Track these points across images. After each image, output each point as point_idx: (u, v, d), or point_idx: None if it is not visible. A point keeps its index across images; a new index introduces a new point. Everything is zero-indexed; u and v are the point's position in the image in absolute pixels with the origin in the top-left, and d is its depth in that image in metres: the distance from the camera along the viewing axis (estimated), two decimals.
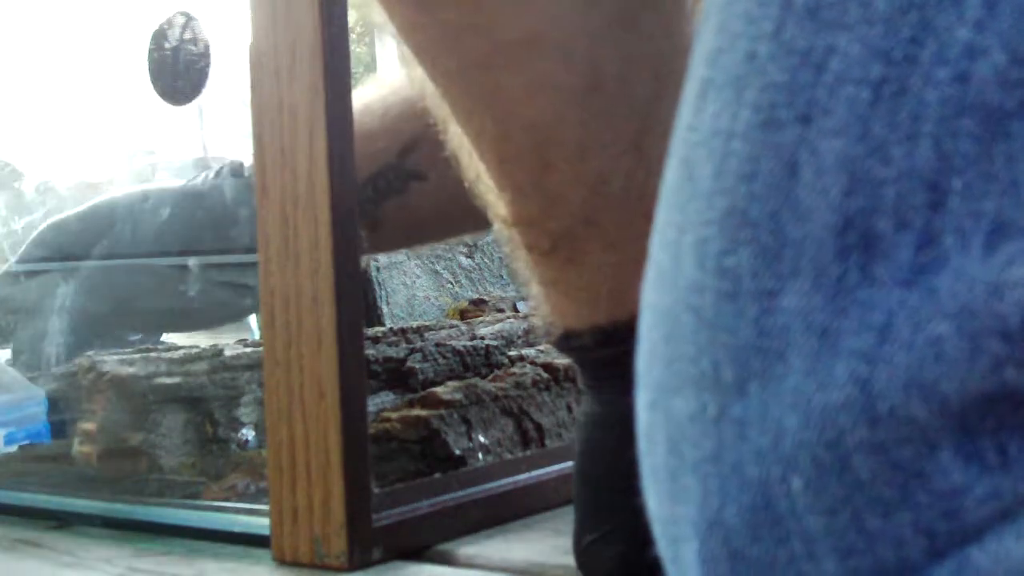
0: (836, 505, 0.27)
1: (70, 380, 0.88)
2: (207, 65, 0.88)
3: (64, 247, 1.02)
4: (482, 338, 0.94)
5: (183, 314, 1.01)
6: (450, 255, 1.26)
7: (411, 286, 1.21)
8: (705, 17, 0.31)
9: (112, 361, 0.85)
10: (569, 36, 0.54)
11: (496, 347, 0.93)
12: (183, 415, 0.83)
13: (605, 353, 0.58)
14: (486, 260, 1.28)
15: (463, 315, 1.11)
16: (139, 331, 1.04)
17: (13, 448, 0.91)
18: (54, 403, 0.92)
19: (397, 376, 0.87)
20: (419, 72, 0.59)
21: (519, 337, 0.96)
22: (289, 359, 0.67)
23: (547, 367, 0.87)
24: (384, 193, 0.89)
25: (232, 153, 1.01)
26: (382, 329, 0.96)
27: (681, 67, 0.33)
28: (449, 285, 1.25)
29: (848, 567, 0.27)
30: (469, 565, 0.67)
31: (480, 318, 1.04)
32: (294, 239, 0.67)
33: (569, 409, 0.86)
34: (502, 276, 1.28)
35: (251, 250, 0.73)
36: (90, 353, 0.88)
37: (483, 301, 1.15)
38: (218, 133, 1.13)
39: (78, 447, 0.84)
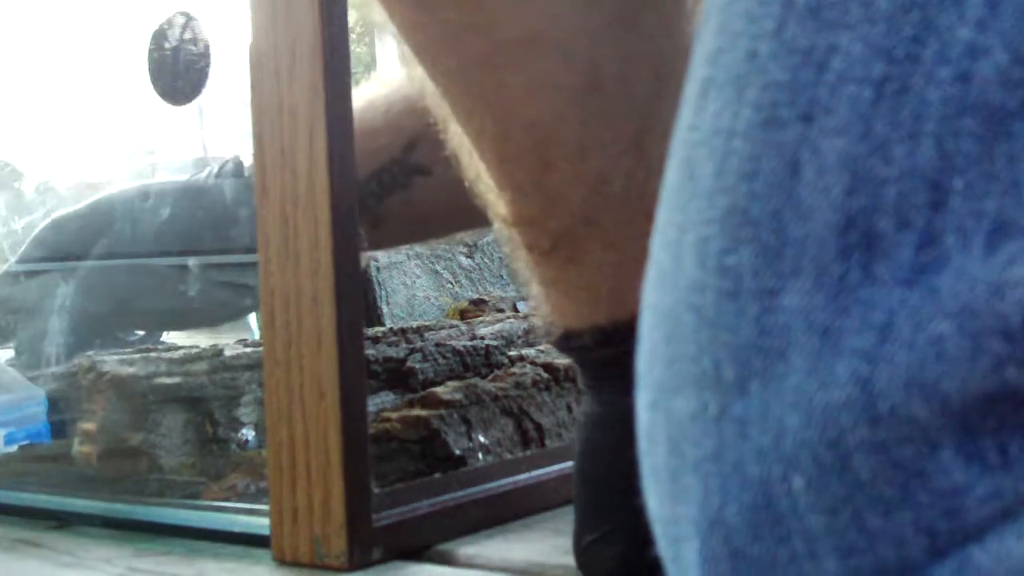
0: (837, 504, 0.27)
1: (70, 380, 0.88)
2: (207, 65, 0.88)
3: (64, 246, 1.02)
4: (482, 338, 0.94)
5: (183, 314, 1.01)
6: (450, 255, 1.26)
7: (411, 286, 1.21)
8: (706, 16, 0.31)
9: (112, 361, 0.85)
10: (569, 35, 0.54)
11: (496, 347, 0.93)
12: (183, 415, 0.83)
13: (605, 353, 0.58)
14: (486, 260, 1.28)
15: (463, 315, 1.11)
16: (139, 330, 1.04)
17: (13, 448, 0.91)
18: (54, 403, 0.92)
19: (397, 376, 0.87)
20: (419, 71, 0.59)
21: (519, 337, 0.96)
22: (289, 359, 0.67)
23: (547, 367, 0.87)
24: (388, 188, 0.89)
25: (232, 153, 1.01)
26: (382, 329, 0.96)
27: (681, 67, 0.33)
28: (449, 285, 1.25)
29: (849, 566, 0.27)
30: (469, 565, 0.67)
31: (480, 318, 1.04)
32: (294, 239, 0.67)
33: (569, 409, 0.86)
34: (502, 276, 1.28)
35: (251, 250, 0.73)
36: (90, 353, 0.88)
37: (483, 301, 1.15)
38: (218, 133, 1.13)
39: (78, 447, 0.84)
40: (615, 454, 0.53)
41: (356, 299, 0.67)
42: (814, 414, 0.27)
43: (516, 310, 1.10)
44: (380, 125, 0.89)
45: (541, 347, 0.92)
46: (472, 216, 0.62)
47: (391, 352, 0.88)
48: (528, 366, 0.87)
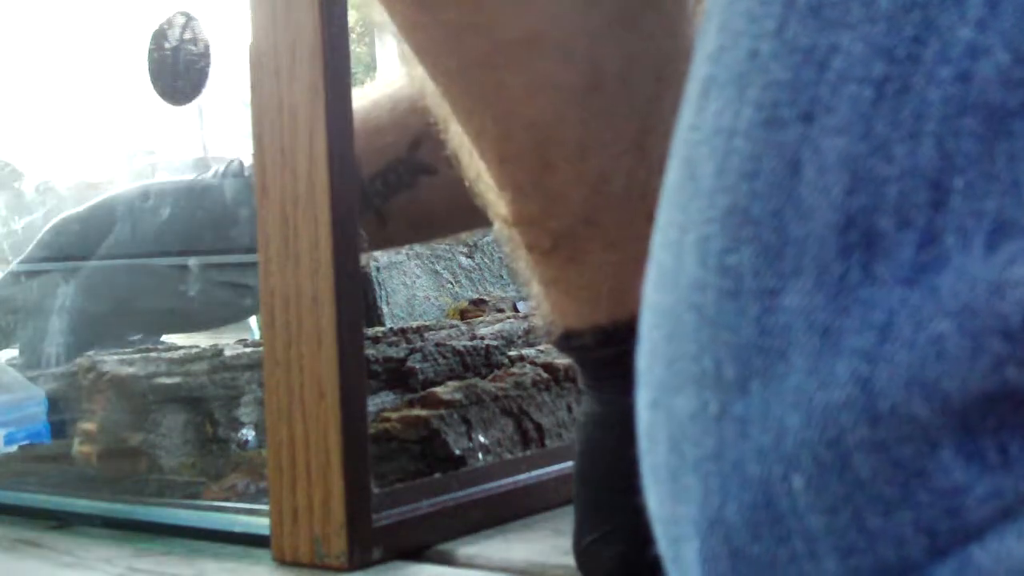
0: (837, 504, 0.27)
1: (70, 380, 0.88)
2: (207, 65, 0.88)
3: (66, 248, 1.02)
4: (482, 338, 0.94)
5: (183, 315, 1.01)
6: (450, 255, 1.26)
7: (411, 286, 1.21)
8: (708, 16, 0.31)
9: (112, 361, 0.85)
10: (570, 35, 0.54)
11: (496, 347, 0.93)
12: (183, 415, 0.83)
13: (605, 353, 0.58)
14: (486, 260, 1.28)
15: (463, 315, 1.11)
16: (139, 332, 1.04)
17: (13, 448, 0.91)
18: (54, 403, 0.92)
19: (397, 376, 0.87)
20: (419, 71, 0.59)
21: (519, 337, 0.96)
22: (289, 359, 0.67)
23: (547, 367, 0.87)
24: (394, 187, 0.89)
25: (232, 153, 1.01)
26: (382, 329, 0.96)
27: (682, 67, 0.33)
28: (449, 285, 1.25)
29: (849, 566, 0.27)
30: (469, 565, 0.67)
31: (480, 318, 1.04)
32: (294, 239, 0.67)
33: (569, 409, 0.86)
34: (502, 276, 1.28)
35: (251, 250, 0.73)
36: (90, 353, 0.88)
37: (483, 301, 1.15)
38: (218, 133, 1.13)
39: (78, 447, 0.84)
40: (615, 454, 0.53)
41: (356, 299, 0.67)
42: (814, 413, 0.27)
43: (516, 310, 1.10)
44: (385, 123, 0.89)
45: (541, 347, 0.92)
46: (476, 215, 0.62)
47: (391, 352, 0.88)
48: (528, 366, 0.87)
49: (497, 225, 0.61)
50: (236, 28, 0.81)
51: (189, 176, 1.01)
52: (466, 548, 0.69)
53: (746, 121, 0.28)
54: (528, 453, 0.81)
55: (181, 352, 0.86)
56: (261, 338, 0.70)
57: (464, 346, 0.91)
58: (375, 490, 0.68)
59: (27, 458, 0.89)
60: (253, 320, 1.08)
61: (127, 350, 0.89)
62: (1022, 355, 0.25)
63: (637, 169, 0.56)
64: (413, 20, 0.56)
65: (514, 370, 0.87)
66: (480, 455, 0.79)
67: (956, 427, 0.26)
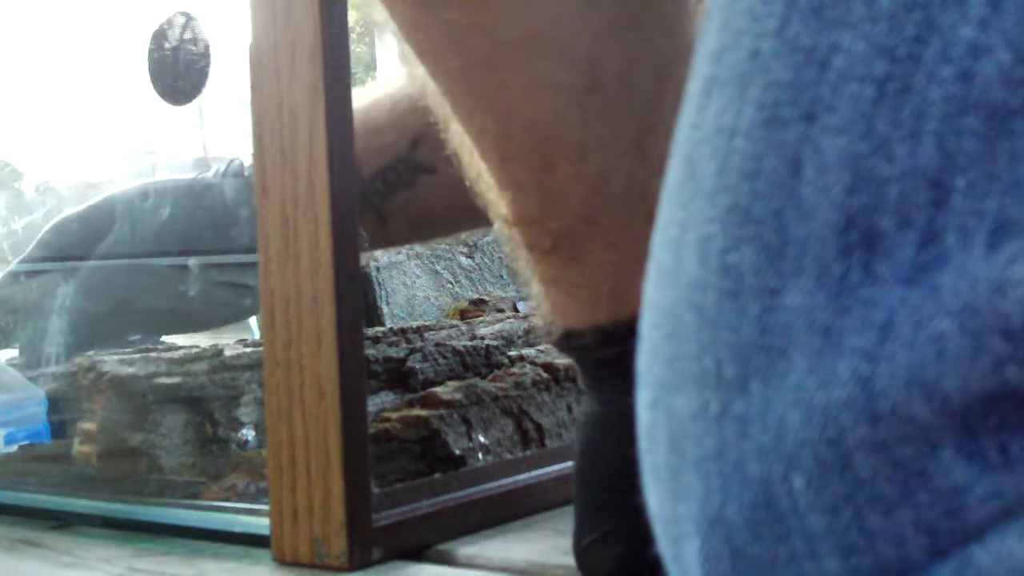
0: (837, 503, 0.27)
1: (70, 380, 0.88)
2: (207, 65, 0.88)
3: (66, 248, 1.02)
4: (482, 338, 0.94)
5: (183, 315, 1.01)
6: (450, 255, 1.26)
7: (411, 286, 1.21)
8: (709, 15, 0.31)
9: (112, 361, 0.85)
10: (570, 35, 0.54)
11: (496, 347, 0.93)
12: (183, 415, 0.83)
13: (606, 353, 0.58)
14: (486, 260, 1.28)
15: (463, 315, 1.11)
16: (139, 332, 1.04)
17: (13, 448, 0.91)
18: (54, 403, 0.92)
19: (397, 376, 0.87)
20: (420, 70, 0.59)
21: (519, 337, 0.96)
22: (289, 359, 0.67)
23: (547, 367, 0.87)
24: (394, 186, 0.89)
25: (232, 153, 1.01)
26: (382, 329, 0.96)
27: (683, 67, 0.33)
28: (449, 285, 1.25)
29: (849, 565, 0.27)
30: (469, 565, 0.67)
31: (480, 318, 1.04)
32: (294, 239, 0.67)
33: (569, 409, 0.86)
34: (502, 276, 1.28)
35: (251, 250, 0.73)
36: (90, 353, 0.88)
37: (483, 301, 1.15)
38: (218, 133, 1.13)
39: (78, 447, 0.84)
40: (615, 454, 0.53)
41: (356, 299, 0.67)
42: (815, 413, 0.27)
43: (516, 310, 1.10)
44: (385, 123, 0.89)
45: (541, 347, 0.92)
46: (476, 215, 0.62)
47: (391, 352, 0.88)
48: (528, 366, 0.87)
49: (497, 225, 0.61)
50: (236, 28, 0.81)
51: (189, 175, 1.01)
52: (466, 548, 0.69)
53: (747, 120, 0.29)
54: (528, 453, 0.81)
55: (181, 352, 0.86)
56: (261, 338, 0.70)
57: (464, 346, 0.91)
58: (375, 490, 0.68)
59: (27, 458, 0.89)
60: (253, 320, 1.08)
61: (127, 350, 0.89)
62: (1023, 355, 0.25)
63: (637, 169, 0.56)
64: (414, 20, 0.56)
65: (514, 370, 0.87)
66: (480, 455, 0.79)
67: (957, 427, 0.26)
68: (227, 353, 0.85)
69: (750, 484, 0.28)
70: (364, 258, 0.89)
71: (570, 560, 0.61)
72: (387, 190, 0.90)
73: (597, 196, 0.56)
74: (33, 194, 1.15)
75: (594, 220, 0.57)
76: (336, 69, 0.66)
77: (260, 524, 0.69)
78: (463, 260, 1.27)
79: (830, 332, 0.27)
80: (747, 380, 0.28)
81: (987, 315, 0.25)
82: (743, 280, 0.28)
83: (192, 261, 0.96)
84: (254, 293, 0.74)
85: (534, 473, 0.77)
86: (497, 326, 0.98)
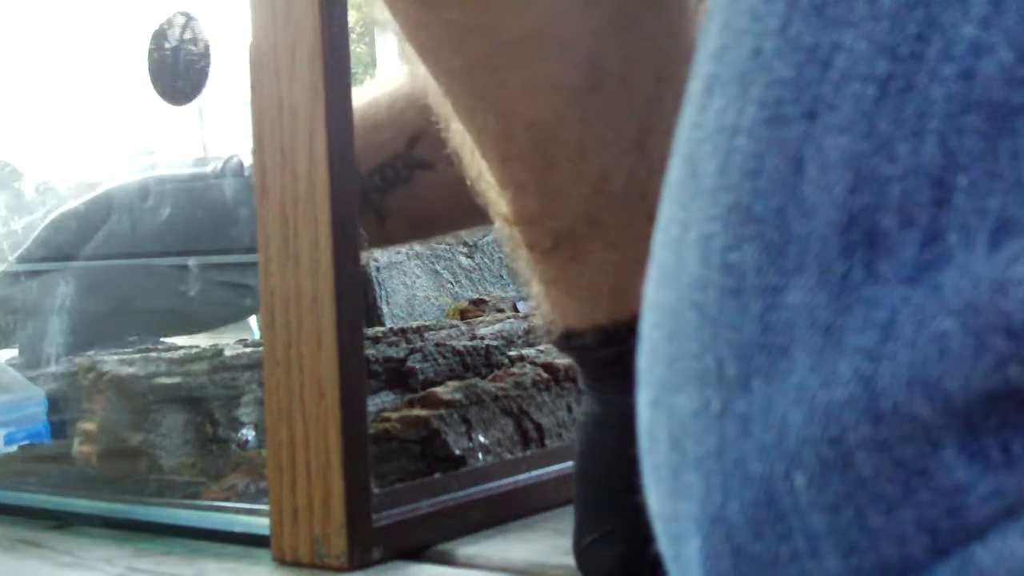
0: (839, 502, 0.27)
1: (70, 380, 0.88)
2: (207, 65, 0.88)
3: (65, 244, 1.02)
4: (482, 338, 0.94)
5: (183, 315, 1.01)
6: (450, 255, 1.26)
7: (411, 286, 1.21)
8: (710, 14, 0.31)
9: (112, 361, 0.85)
10: (571, 35, 0.54)
11: (496, 347, 0.93)
12: (183, 415, 0.83)
13: (606, 352, 0.58)
14: (486, 260, 1.28)
15: (463, 315, 1.11)
16: (139, 332, 1.04)
17: (13, 448, 0.91)
18: (54, 403, 0.92)
19: (397, 376, 0.87)
20: (421, 70, 0.59)
21: (519, 337, 0.96)
22: (289, 359, 0.67)
23: (547, 367, 0.87)
24: (391, 183, 0.89)
25: (232, 152, 1.01)
26: (382, 329, 0.96)
27: (683, 67, 0.33)
28: (449, 285, 1.25)
29: (850, 564, 0.27)
30: (469, 565, 0.67)
31: (480, 318, 1.04)
32: (294, 239, 0.67)
33: (569, 409, 0.85)
34: (502, 276, 1.28)
35: (251, 250, 0.73)
36: (90, 353, 0.88)
37: (483, 301, 1.15)
38: (218, 133, 1.13)
39: (78, 447, 0.84)
40: (615, 454, 0.53)
41: (356, 299, 0.67)
42: (816, 412, 0.27)
43: (516, 310, 1.10)
44: (383, 120, 0.89)
45: (541, 347, 0.92)
46: (474, 213, 0.62)
47: (391, 352, 0.88)
48: (528, 366, 0.87)
49: (498, 224, 0.61)
50: (236, 28, 0.81)
51: (188, 171, 1.01)
52: (466, 548, 0.69)
53: (749, 119, 0.28)
54: (528, 453, 0.81)
55: (181, 352, 0.86)
56: (261, 338, 0.70)
57: (464, 346, 0.91)
58: (375, 490, 0.68)
59: (27, 458, 0.89)
60: (253, 320, 1.08)
61: (127, 350, 0.89)
62: None
63: (638, 168, 0.56)
64: (416, 19, 0.56)
65: (514, 370, 0.87)
66: (480, 455, 0.79)
67: (958, 426, 0.26)
68: (227, 353, 0.85)
69: (751, 483, 0.28)
70: (364, 258, 0.88)
71: (570, 560, 0.61)
72: (385, 186, 0.89)
73: (598, 196, 0.56)
74: (33, 194, 1.15)
75: (595, 220, 0.57)
76: (336, 69, 0.66)
77: (260, 524, 0.69)
78: (463, 260, 1.27)
79: (832, 331, 0.27)
80: (749, 379, 0.28)
81: (989, 314, 0.25)
82: (745, 279, 0.28)
83: (192, 261, 0.96)
84: (254, 293, 0.74)
85: (534, 473, 0.77)
86: (497, 326, 0.98)
